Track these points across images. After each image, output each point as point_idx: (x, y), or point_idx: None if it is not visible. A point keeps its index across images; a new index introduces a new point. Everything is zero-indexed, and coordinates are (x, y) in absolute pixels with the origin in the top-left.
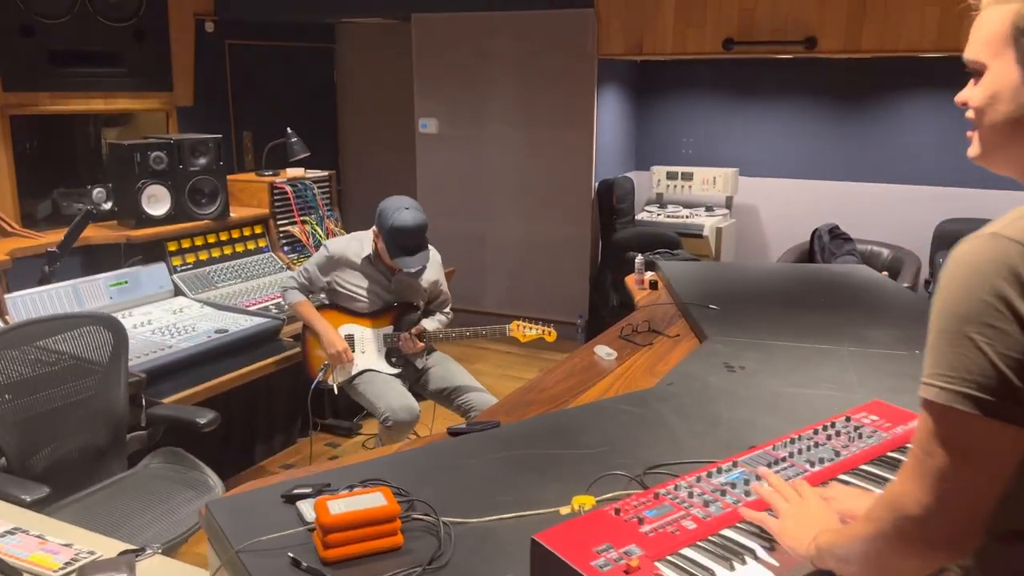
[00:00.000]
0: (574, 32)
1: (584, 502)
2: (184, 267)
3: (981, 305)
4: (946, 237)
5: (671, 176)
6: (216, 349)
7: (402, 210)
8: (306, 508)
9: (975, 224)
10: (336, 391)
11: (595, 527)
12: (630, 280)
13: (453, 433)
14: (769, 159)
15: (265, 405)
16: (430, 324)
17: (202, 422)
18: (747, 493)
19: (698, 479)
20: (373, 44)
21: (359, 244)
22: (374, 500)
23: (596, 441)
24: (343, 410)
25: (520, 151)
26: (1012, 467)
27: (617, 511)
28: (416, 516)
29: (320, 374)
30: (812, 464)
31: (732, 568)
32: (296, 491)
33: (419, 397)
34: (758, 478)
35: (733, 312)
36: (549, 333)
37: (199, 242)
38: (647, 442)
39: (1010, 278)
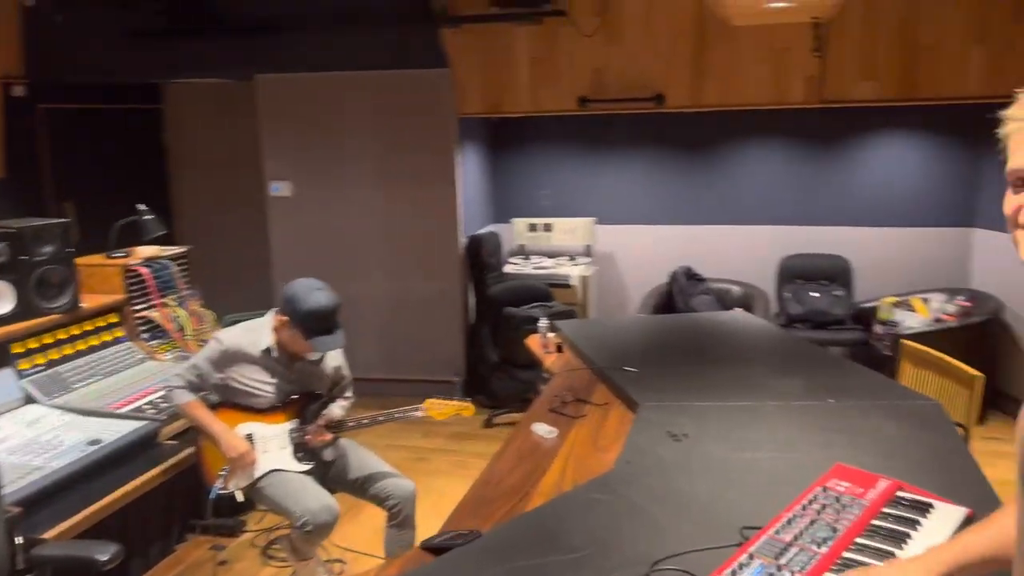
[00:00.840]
0: (432, 91)
1: None
2: (34, 370)
3: None
4: (788, 271)
5: (532, 227)
6: (94, 464)
7: (315, 291)
8: None
9: (815, 259)
10: (241, 498)
11: None
12: (535, 343)
13: (431, 549)
14: (623, 207)
15: (136, 513)
16: (337, 411)
17: (102, 559)
18: None
19: None
20: (208, 104)
21: (255, 335)
22: None
23: (584, 540)
24: (222, 507)
25: (383, 210)
26: None
27: None
28: None
29: (219, 481)
30: (818, 544)
31: None
32: None
33: (331, 491)
34: (778, 572)
35: (649, 373)
36: (466, 408)
37: (48, 340)
38: (632, 534)
39: None
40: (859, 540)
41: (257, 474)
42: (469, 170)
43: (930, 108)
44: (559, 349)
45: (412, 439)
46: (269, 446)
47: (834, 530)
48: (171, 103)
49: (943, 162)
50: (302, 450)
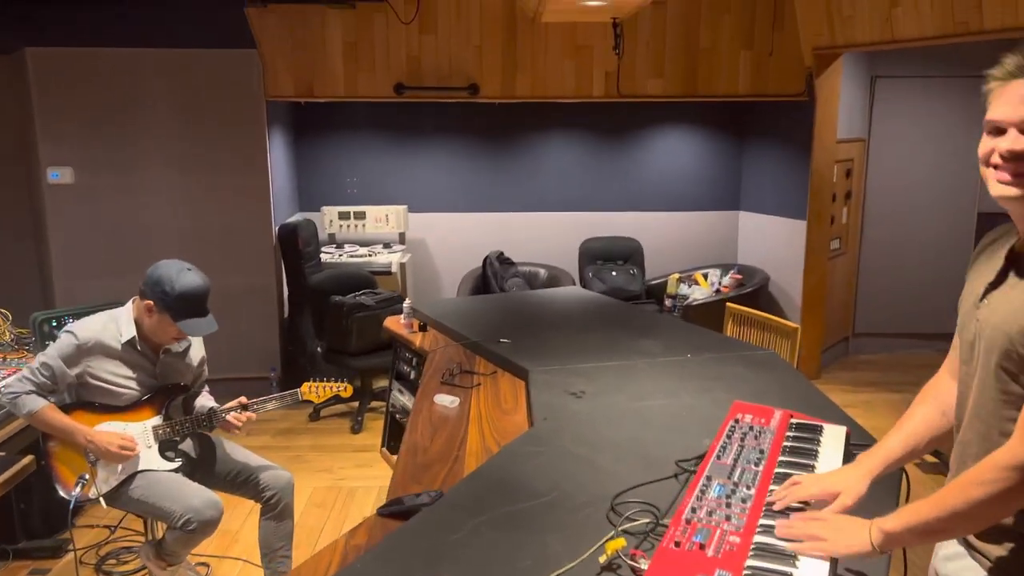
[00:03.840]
0: (239, 73)
1: (616, 545)
2: None
3: None
4: (589, 253)
5: (343, 216)
6: None
7: (184, 272)
8: None
9: (611, 241)
10: (104, 504)
11: (676, 564)
12: (396, 325)
13: (393, 514)
14: (433, 195)
15: None
16: (208, 402)
17: None
18: (743, 500)
19: (699, 499)
20: None
21: (115, 326)
22: None
23: (545, 487)
24: (38, 527)
25: (185, 199)
26: None
27: (677, 544)
28: None
29: (77, 489)
30: (755, 464)
31: (795, 566)
32: None
33: None
34: (736, 488)
35: (521, 344)
36: (345, 389)
37: None
38: (582, 477)
39: None
40: (781, 458)
41: (122, 477)
42: (276, 157)
43: (706, 104)
44: (423, 328)
45: (235, 439)
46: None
47: (761, 452)
48: None
49: (715, 153)
50: (169, 447)
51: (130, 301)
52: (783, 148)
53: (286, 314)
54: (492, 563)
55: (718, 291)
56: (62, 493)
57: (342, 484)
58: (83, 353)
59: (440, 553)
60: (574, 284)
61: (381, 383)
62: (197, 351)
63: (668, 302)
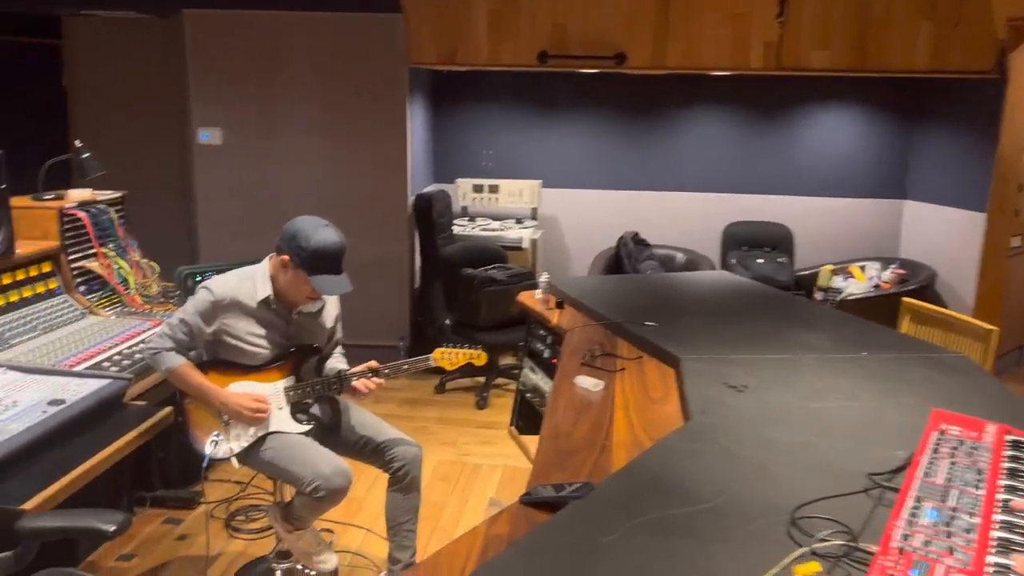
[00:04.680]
0: (382, 37)
1: (809, 570)
2: None
3: None
4: (733, 238)
5: (477, 188)
6: (59, 428)
7: (321, 228)
8: None
9: (759, 227)
10: (236, 464)
11: None
12: (531, 300)
13: (537, 503)
14: (568, 171)
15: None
16: (339, 365)
17: (109, 529)
18: (967, 530)
19: (909, 524)
20: (119, 42)
21: (251, 284)
22: None
23: (708, 490)
24: (175, 477)
25: (325, 164)
26: None
27: None
28: None
29: (211, 447)
30: (975, 487)
31: None
32: None
33: None
34: (954, 515)
35: (669, 328)
36: (478, 356)
37: None
38: (752, 482)
39: None
40: (1003, 481)
41: (253, 438)
42: (415, 126)
43: (874, 80)
44: (560, 305)
45: (364, 405)
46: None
47: (979, 472)
48: (72, 39)
49: (880, 135)
50: (301, 409)
51: (266, 258)
52: (963, 131)
53: (417, 284)
54: (649, 572)
55: (877, 286)
56: (197, 450)
57: (466, 460)
58: (219, 310)
59: (591, 555)
60: (714, 270)
61: (507, 360)
62: (331, 311)
63: (818, 295)
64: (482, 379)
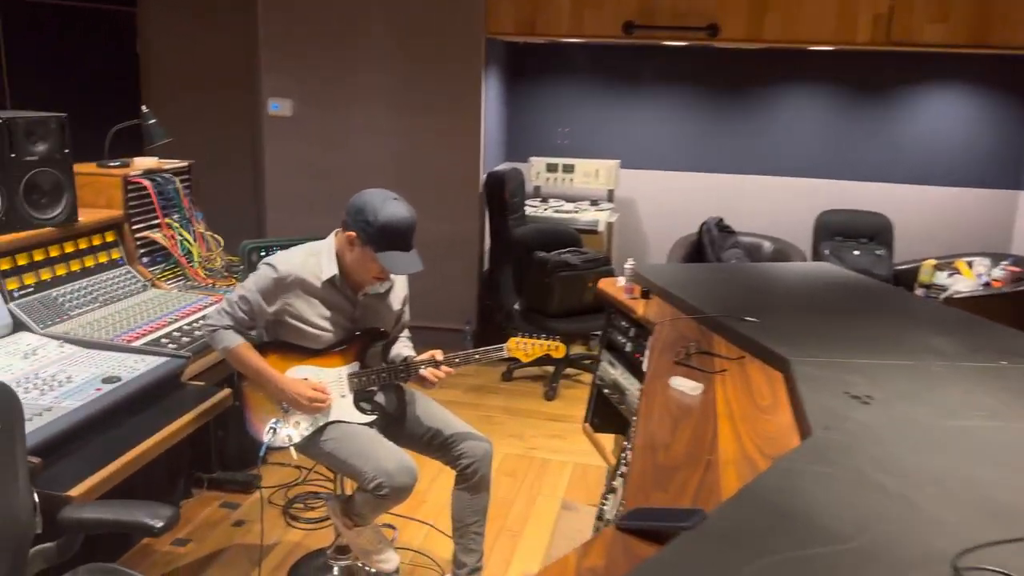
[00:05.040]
0: (460, 7)
1: None
2: (23, 292)
3: None
4: (826, 227)
5: (551, 168)
6: (114, 406)
7: (389, 200)
8: None
9: (855, 215)
10: (294, 454)
11: None
12: (613, 288)
13: (636, 531)
14: (649, 151)
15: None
16: (406, 352)
17: (156, 525)
18: None
19: None
20: (192, 10)
21: (316, 262)
22: None
23: (845, 526)
24: (232, 458)
25: (396, 138)
26: None
27: None
28: None
29: (268, 435)
30: None
31: None
32: None
33: None
34: None
35: (773, 325)
36: (556, 348)
37: (39, 256)
38: (899, 518)
39: None
40: None
41: (311, 428)
42: (489, 100)
43: (994, 58)
44: (645, 295)
45: (430, 394)
46: (329, 393)
47: None
48: (146, 6)
49: (995, 119)
50: (364, 398)
51: (332, 234)
52: None
53: (486, 267)
54: None
55: (987, 284)
56: (253, 436)
57: (534, 454)
58: (281, 288)
59: None
60: (805, 260)
61: (577, 349)
62: (399, 292)
63: (920, 291)
64: (551, 369)
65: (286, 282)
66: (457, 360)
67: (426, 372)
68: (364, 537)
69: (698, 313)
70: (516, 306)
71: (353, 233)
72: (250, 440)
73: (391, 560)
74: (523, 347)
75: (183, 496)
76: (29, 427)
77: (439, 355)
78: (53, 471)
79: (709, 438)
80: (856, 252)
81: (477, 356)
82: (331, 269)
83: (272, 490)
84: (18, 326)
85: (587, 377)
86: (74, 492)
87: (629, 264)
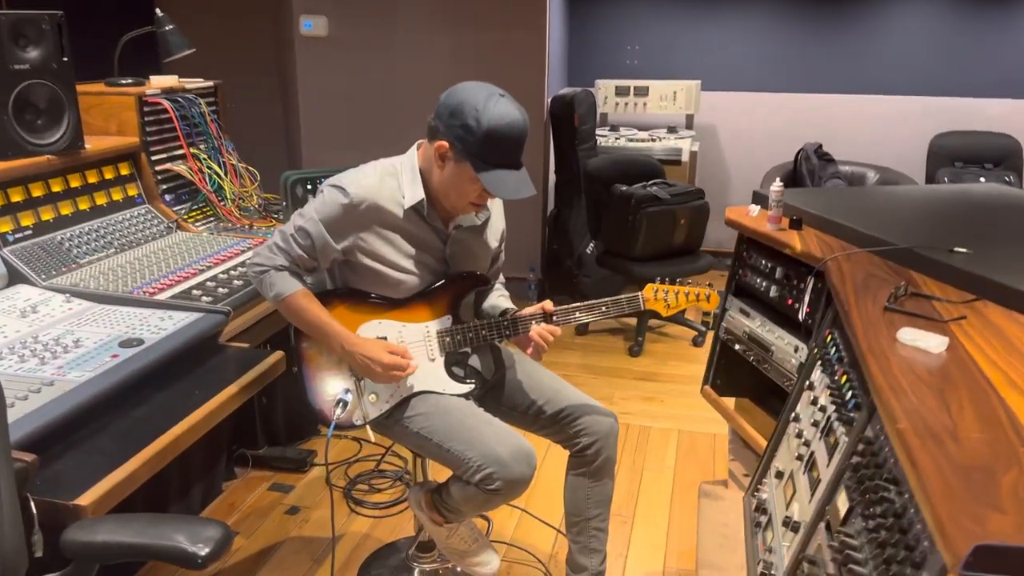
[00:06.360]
0: None
1: None
2: (20, 235)
3: None
4: (942, 152)
5: (621, 91)
6: (135, 377)
7: (495, 97)
8: None
9: (977, 137)
10: (372, 436)
11: None
12: (752, 219)
13: None
14: (734, 69)
15: None
16: (504, 301)
17: (200, 554)
18: None
19: None
20: None
21: (395, 184)
22: None
23: None
24: (280, 432)
25: (446, 60)
26: None
27: None
28: None
29: (338, 409)
30: None
31: None
32: None
33: None
34: None
35: (992, 257)
36: (708, 298)
37: (37, 192)
38: None
39: None
40: None
41: (392, 401)
42: (553, 14)
43: None
44: (797, 225)
45: (567, 355)
46: (411, 357)
47: None
48: None
49: None
50: (457, 361)
51: (413, 147)
52: None
53: (551, 206)
54: None
55: None
56: (317, 412)
57: (630, 421)
58: (354, 218)
59: None
60: None
61: None
62: (497, 225)
63: None
64: (633, 320)
65: (359, 210)
66: (577, 314)
67: (537, 330)
68: (457, 536)
69: (882, 244)
70: (588, 249)
71: (445, 143)
72: (300, 408)
73: (490, 562)
74: (663, 296)
75: (226, 477)
76: (24, 407)
77: (550, 306)
78: (55, 470)
79: (1004, 418)
80: (981, 180)
81: (604, 308)
82: (416, 193)
83: (332, 467)
84: (14, 277)
85: (674, 329)
86: (83, 500)
87: (776, 188)
